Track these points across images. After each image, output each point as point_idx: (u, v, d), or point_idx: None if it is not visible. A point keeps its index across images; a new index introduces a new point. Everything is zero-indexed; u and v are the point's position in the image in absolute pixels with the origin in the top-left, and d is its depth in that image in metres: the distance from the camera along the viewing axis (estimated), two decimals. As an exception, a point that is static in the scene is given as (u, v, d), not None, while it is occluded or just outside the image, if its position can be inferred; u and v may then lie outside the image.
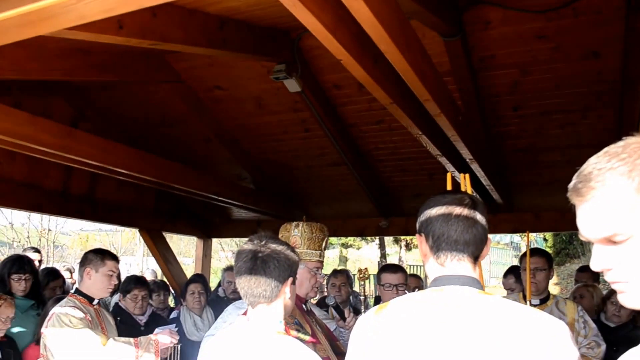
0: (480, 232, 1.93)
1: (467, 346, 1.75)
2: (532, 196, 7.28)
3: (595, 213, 1.23)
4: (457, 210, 1.93)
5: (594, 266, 1.28)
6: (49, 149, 4.58)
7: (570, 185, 1.30)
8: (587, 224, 1.26)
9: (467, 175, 3.02)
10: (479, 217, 1.94)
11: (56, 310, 3.99)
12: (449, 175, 2.96)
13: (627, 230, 1.19)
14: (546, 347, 1.68)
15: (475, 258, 1.96)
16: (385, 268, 4.81)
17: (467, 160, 5.20)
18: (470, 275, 1.93)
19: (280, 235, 3.53)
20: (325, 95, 5.93)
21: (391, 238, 27.58)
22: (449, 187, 2.83)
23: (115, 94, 6.52)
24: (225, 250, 23.40)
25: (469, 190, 2.92)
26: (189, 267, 10.40)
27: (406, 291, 4.32)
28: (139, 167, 5.53)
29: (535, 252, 4.95)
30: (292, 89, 5.38)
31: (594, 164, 1.25)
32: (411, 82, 3.55)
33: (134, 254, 22.49)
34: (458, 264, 1.93)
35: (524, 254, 4.75)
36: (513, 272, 6.38)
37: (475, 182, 6.10)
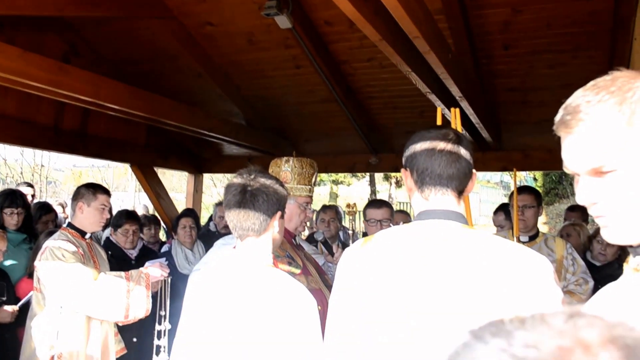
0: (463, 167, 1.94)
1: (448, 278, 1.77)
2: (521, 135, 7.32)
3: (584, 144, 1.23)
4: (441, 145, 1.94)
5: (580, 199, 1.29)
6: (41, 84, 4.56)
7: (557, 117, 1.30)
8: (575, 155, 1.26)
9: (457, 110, 3.02)
10: (463, 152, 1.94)
11: (49, 243, 4.02)
12: (439, 111, 2.97)
13: (615, 163, 1.20)
14: (527, 282, 1.70)
15: (460, 192, 1.97)
16: (371, 204, 4.85)
17: (457, 98, 5.22)
18: (454, 209, 1.95)
19: (270, 170, 3.55)
20: (316, 32, 5.91)
21: (381, 175, 27.71)
22: (438, 122, 2.85)
23: (107, 30, 6.47)
24: (216, 186, 23.48)
25: (459, 125, 2.92)
26: (181, 203, 10.45)
27: (391, 225, 4.38)
28: (130, 103, 5.53)
29: (523, 189, 4.96)
30: (283, 25, 5.36)
31: (583, 96, 1.25)
32: (400, 19, 3.54)
33: (126, 190, 22.52)
34: (442, 197, 1.95)
35: (513, 192, 4.74)
36: (503, 209, 6.40)
37: (464, 120, 6.13)
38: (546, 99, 6.33)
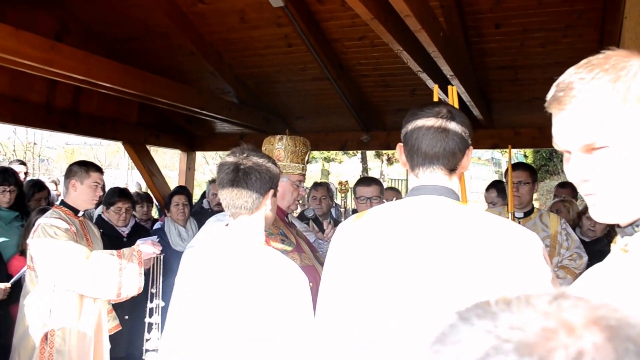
0: (452, 145, 1.93)
1: (437, 254, 1.78)
2: (512, 113, 7.36)
3: (576, 120, 1.24)
4: (430, 122, 1.94)
5: (571, 176, 1.30)
6: (33, 62, 4.56)
7: (550, 94, 1.31)
8: (566, 131, 1.27)
9: (454, 88, 3.01)
10: (453, 129, 1.93)
11: (42, 221, 4.03)
12: (435, 88, 2.95)
13: (607, 139, 1.22)
14: (517, 259, 1.70)
15: (451, 169, 1.97)
16: (360, 181, 4.89)
17: (448, 76, 5.24)
18: (445, 185, 1.96)
19: (263, 148, 3.56)
20: (308, 9, 5.91)
21: (373, 152, 27.70)
22: (435, 99, 2.84)
23: (99, 8, 6.44)
24: (209, 164, 23.47)
25: (456, 103, 2.92)
26: (174, 180, 10.45)
27: (382, 202, 4.41)
28: (122, 81, 5.53)
29: (518, 166, 4.99)
30: (275, 3, 5.35)
31: (576, 73, 1.26)
32: (391, -3, 3.56)
33: (118, 167, 22.49)
34: (431, 175, 1.96)
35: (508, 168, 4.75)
36: (495, 186, 6.40)
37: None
38: (537, 77, 6.36)
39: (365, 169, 27.72)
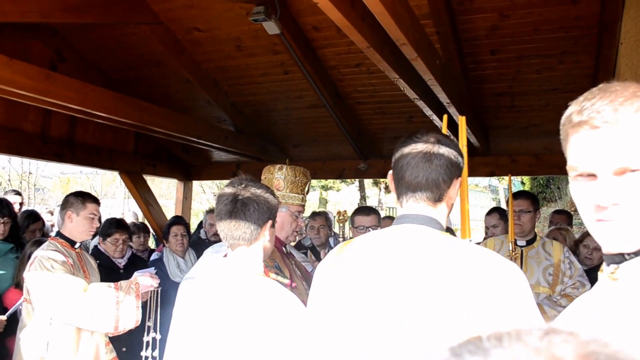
0: (435, 175, 1.90)
1: (416, 283, 1.75)
2: (508, 140, 7.35)
3: (613, 142, 1.22)
4: (415, 151, 1.92)
5: (606, 200, 1.25)
6: (27, 92, 4.55)
7: (573, 116, 1.29)
8: (601, 152, 1.24)
9: (463, 119, 2.89)
10: (439, 159, 1.90)
11: (38, 253, 3.99)
12: (445, 118, 2.86)
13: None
14: (496, 289, 1.67)
15: (437, 200, 1.94)
16: (359, 210, 4.88)
17: (445, 104, 5.24)
18: (428, 215, 1.93)
19: (263, 177, 3.55)
20: (304, 37, 5.92)
21: (371, 180, 27.71)
22: (444, 130, 2.75)
23: (94, 36, 6.44)
24: (206, 193, 23.43)
25: (463, 133, 2.79)
26: (170, 210, 10.43)
27: None
28: (117, 110, 5.51)
29: (519, 194, 4.97)
30: (271, 31, 5.36)
31: (600, 98, 1.25)
32: (387, 26, 3.54)
33: (114, 197, 22.42)
34: (414, 204, 1.94)
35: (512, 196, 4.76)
36: (497, 211, 6.32)
37: (452, 125, 6.15)
38: (533, 103, 6.37)
39: (363, 197, 27.71)
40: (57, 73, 4.96)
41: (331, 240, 7.30)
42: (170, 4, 5.67)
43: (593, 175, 1.27)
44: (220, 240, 2.69)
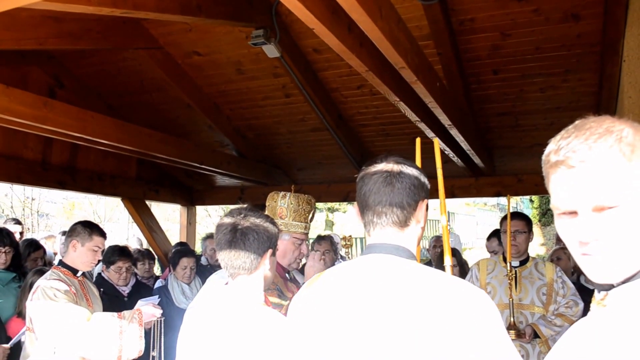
0: (398, 199, 1.85)
1: (383, 320, 1.71)
2: (514, 159, 7.31)
3: (589, 180, 1.27)
4: (376, 177, 1.89)
5: (587, 237, 1.30)
6: (25, 120, 4.53)
7: (550, 156, 1.35)
8: (578, 191, 1.29)
9: (437, 140, 2.87)
10: (400, 182, 1.86)
11: (41, 283, 3.95)
12: (436, 141, 2.84)
13: (617, 199, 1.25)
14: (465, 321, 1.62)
15: (403, 224, 1.88)
16: None
17: (446, 125, 5.18)
18: (394, 243, 1.88)
19: (267, 204, 3.53)
20: (305, 59, 5.89)
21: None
22: (417, 154, 2.71)
23: (92, 61, 6.43)
24: (211, 217, 23.34)
25: (437, 155, 2.77)
26: (175, 234, 10.38)
27: None
28: (117, 137, 5.48)
29: (515, 215, 4.98)
30: (271, 54, 5.34)
31: (576, 137, 1.31)
32: (385, 50, 3.51)
33: (118, 221, 22.34)
34: (381, 231, 1.89)
35: (505, 217, 4.84)
36: (496, 235, 6.42)
37: (455, 147, 6.10)
38: (537, 122, 6.32)
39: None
40: (55, 100, 4.93)
41: (337, 264, 7.20)
42: (169, 28, 5.66)
43: (574, 212, 1.33)
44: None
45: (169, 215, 24.21)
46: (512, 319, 4.47)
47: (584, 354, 1.28)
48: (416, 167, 1.94)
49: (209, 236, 7.62)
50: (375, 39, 3.31)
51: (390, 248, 1.86)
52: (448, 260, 2.40)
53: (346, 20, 3.32)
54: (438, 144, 2.69)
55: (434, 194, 2.16)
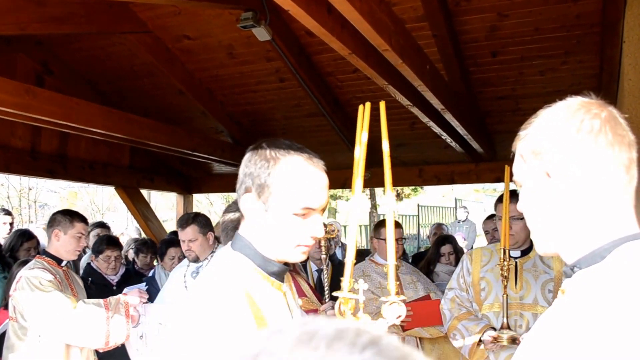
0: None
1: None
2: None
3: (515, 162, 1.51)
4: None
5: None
6: (8, 108, 4.42)
7: None
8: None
9: (383, 103, 2.37)
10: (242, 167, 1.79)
11: (24, 273, 3.97)
12: (382, 105, 2.38)
13: (521, 178, 1.48)
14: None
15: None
16: (383, 223, 4.74)
17: (439, 110, 5.03)
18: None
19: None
20: (298, 42, 5.75)
21: (381, 188, 27.48)
22: (382, 117, 2.31)
23: (80, 46, 6.30)
24: (213, 205, 23.25)
25: (383, 119, 2.33)
26: (174, 223, 10.30)
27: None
28: (105, 124, 5.35)
29: (511, 197, 3.90)
30: (261, 37, 5.19)
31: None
32: (366, 32, 3.41)
33: (116, 210, 22.26)
34: None
35: (499, 199, 4.05)
36: (495, 216, 6.07)
37: (452, 132, 5.95)
38: (538, 106, 6.03)
39: (374, 206, 27.44)
40: (38, 87, 4.81)
41: (339, 251, 7.12)
42: (157, 11, 5.51)
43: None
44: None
45: (172, 204, 24.16)
46: (504, 320, 3.61)
47: (547, 342, 1.28)
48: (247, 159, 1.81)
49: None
50: (354, 20, 3.19)
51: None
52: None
53: (325, 2, 3.19)
54: (384, 106, 2.35)
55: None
